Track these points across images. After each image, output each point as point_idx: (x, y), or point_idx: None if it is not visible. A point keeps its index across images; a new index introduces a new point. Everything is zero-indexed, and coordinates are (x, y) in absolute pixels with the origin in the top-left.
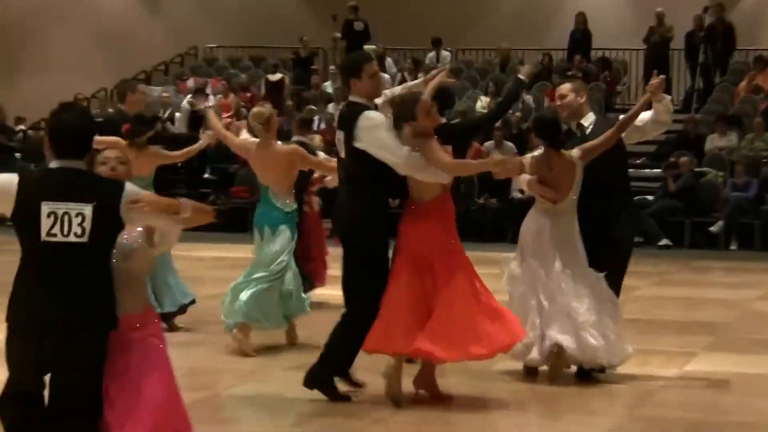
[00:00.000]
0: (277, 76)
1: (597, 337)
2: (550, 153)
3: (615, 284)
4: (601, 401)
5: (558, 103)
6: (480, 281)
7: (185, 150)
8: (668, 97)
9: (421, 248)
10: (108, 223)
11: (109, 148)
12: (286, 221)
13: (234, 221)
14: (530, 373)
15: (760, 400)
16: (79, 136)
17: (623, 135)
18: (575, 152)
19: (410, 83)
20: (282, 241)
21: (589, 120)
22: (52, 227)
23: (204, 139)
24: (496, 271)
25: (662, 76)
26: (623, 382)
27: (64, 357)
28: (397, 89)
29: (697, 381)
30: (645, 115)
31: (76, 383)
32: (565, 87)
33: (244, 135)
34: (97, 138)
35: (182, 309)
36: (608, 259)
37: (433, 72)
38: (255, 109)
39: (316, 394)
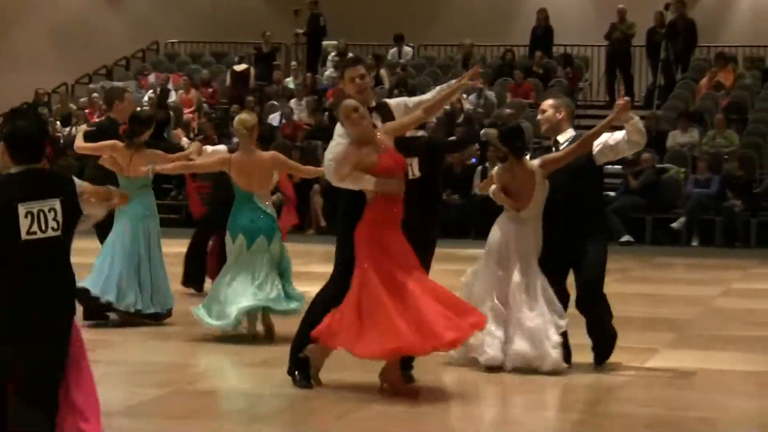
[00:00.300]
0: (243, 66)
1: (535, 341)
2: (513, 161)
3: (595, 292)
4: (563, 397)
5: (539, 117)
6: (416, 283)
7: (178, 155)
8: (636, 117)
9: (355, 250)
10: (72, 214)
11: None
12: (277, 229)
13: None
14: (491, 369)
15: (722, 395)
16: (36, 141)
17: (594, 153)
18: (536, 161)
19: (445, 85)
20: (281, 248)
21: (565, 137)
22: (31, 226)
23: (192, 148)
24: (458, 268)
25: (627, 98)
26: (585, 378)
27: (49, 351)
28: (440, 88)
29: (659, 377)
30: (618, 135)
31: (55, 374)
32: (547, 103)
33: (184, 141)
34: (94, 145)
35: (170, 312)
36: (583, 271)
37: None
38: (241, 115)
39: (279, 390)
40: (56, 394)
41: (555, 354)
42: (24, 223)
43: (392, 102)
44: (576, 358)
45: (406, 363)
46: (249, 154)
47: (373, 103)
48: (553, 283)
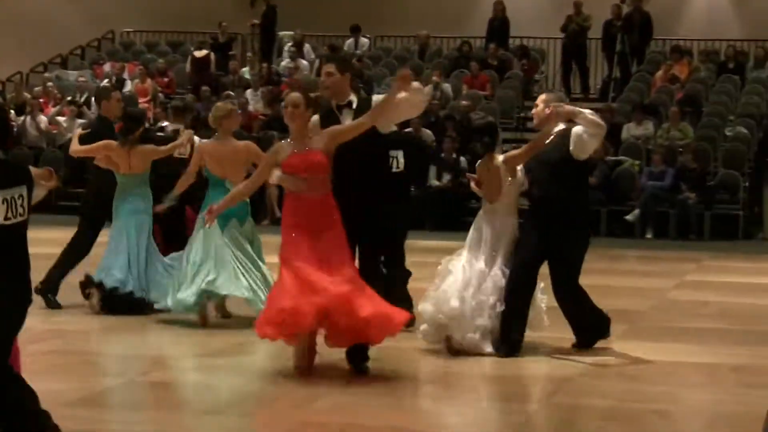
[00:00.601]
0: (203, 52)
1: (461, 325)
2: (487, 156)
3: (570, 289)
4: (517, 388)
5: (532, 111)
6: (305, 272)
7: (171, 144)
8: (585, 111)
9: None
10: (31, 198)
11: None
12: (249, 213)
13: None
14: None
15: (675, 388)
16: (4, 129)
17: (571, 149)
18: (500, 157)
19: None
20: (252, 228)
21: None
22: (7, 212)
23: (184, 137)
24: (413, 260)
25: (553, 106)
26: (539, 369)
27: (17, 326)
28: None
29: (613, 369)
30: (580, 129)
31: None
32: (540, 97)
33: None
34: (88, 147)
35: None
36: (559, 268)
37: None
38: (218, 103)
39: (233, 381)
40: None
41: (470, 336)
42: (1, 209)
43: (375, 98)
44: (534, 348)
45: (362, 355)
46: (221, 142)
47: (347, 100)
48: (529, 275)
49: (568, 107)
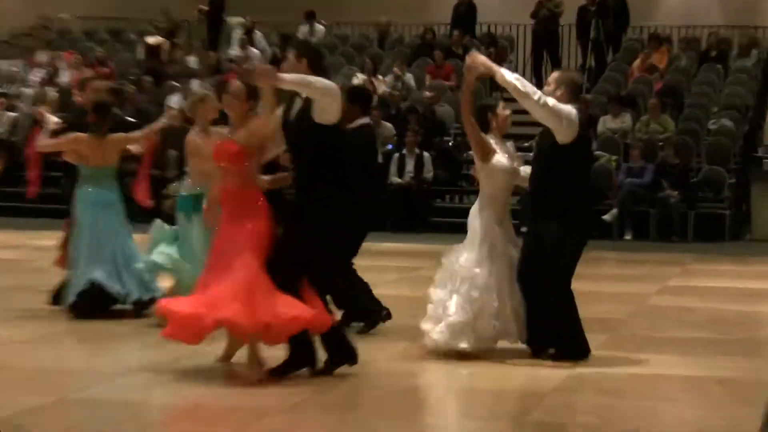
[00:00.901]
0: (159, 40)
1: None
2: None
3: (562, 288)
4: (488, 404)
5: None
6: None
7: (146, 130)
8: (501, 71)
9: None
10: None
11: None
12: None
13: None
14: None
15: (657, 403)
16: None
17: (556, 133)
18: None
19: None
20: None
21: None
22: None
23: (168, 118)
24: (372, 263)
25: (471, 55)
26: (513, 383)
27: None
28: None
29: (590, 383)
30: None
31: None
32: (552, 76)
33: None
34: (55, 141)
35: (153, 300)
36: (549, 269)
37: None
38: (194, 89)
39: (179, 397)
40: None
41: (439, 332)
42: None
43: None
44: (507, 360)
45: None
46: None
47: None
48: (525, 271)
49: (484, 58)
